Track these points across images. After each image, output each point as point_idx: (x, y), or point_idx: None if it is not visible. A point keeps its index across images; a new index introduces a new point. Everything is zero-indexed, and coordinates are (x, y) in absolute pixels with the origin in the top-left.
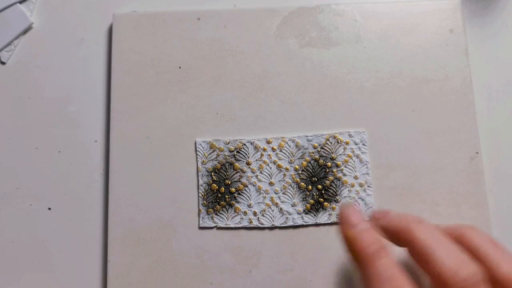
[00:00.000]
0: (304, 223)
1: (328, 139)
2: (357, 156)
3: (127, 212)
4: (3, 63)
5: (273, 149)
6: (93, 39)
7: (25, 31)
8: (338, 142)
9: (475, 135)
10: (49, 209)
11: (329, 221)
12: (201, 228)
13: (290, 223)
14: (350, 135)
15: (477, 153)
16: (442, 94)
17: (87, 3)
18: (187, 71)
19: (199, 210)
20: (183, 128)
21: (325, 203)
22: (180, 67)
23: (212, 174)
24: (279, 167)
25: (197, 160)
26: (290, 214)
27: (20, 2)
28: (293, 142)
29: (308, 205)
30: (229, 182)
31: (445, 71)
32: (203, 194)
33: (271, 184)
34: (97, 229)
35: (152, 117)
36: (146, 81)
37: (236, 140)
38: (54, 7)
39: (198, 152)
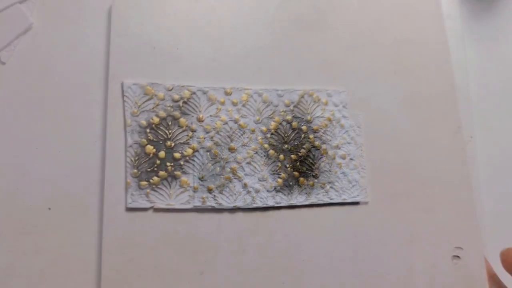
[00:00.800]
0: (276, 204)
1: (302, 96)
2: (338, 121)
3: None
4: (3, 63)
5: (233, 103)
6: (92, 39)
7: (25, 31)
8: (314, 101)
9: (456, 108)
10: (49, 209)
11: (306, 203)
12: (129, 209)
13: (257, 203)
14: (328, 94)
15: (458, 127)
16: (421, 58)
17: (85, 4)
18: None
19: (127, 183)
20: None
21: (301, 179)
22: None
23: (147, 131)
24: (241, 127)
25: (124, 110)
26: (257, 192)
27: (20, 2)
28: (259, 96)
29: (280, 180)
30: (172, 144)
31: (422, 34)
32: (133, 159)
33: (231, 149)
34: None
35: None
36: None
37: (183, 86)
38: (54, 7)
39: (126, 99)
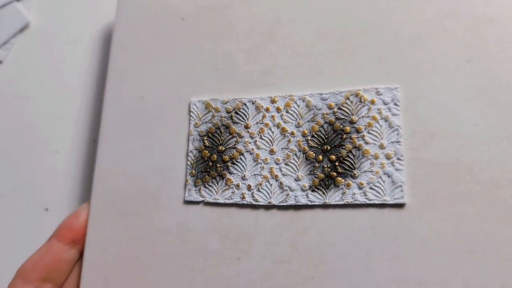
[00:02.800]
0: (309, 203)
1: (348, 98)
2: (385, 119)
3: (112, 181)
4: (0, 62)
5: (277, 110)
6: (90, 37)
7: (22, 30)
8: (361, 101)
9: None
10: (46, 209)
11: (341, 202)
12: (186, 202)
13: (291, 201)
14: (377, 93)
15: None
16: (511, 38)
17: (84, 2)
18: (190, 23)
19: (186, 181)
20: (179, 87)
21: (338, 178)
22: (183, 19)
23: (205, 138)
24: (283, 131)
25: (189, 123)
26: (292, 190)
27: (17, 0)
28: (303, 101)
29: (316, 180)
30: (223, 149)
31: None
32: (192, 162)
33: (271, 152)
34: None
35: (148, 74)
36: (147, 36)
37: (236, 99)
38: (51, 6)
39: (191, 113)
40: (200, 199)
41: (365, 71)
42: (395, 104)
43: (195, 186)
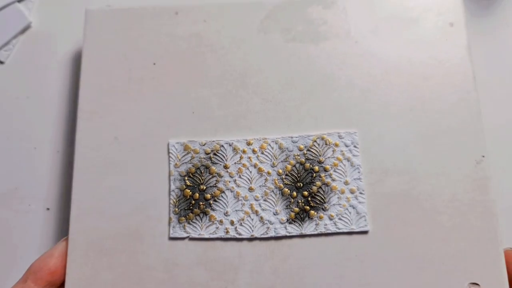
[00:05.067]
0: (288, 234)
1: (315, 141)
2: (348, 159)
3: (91, 220)
4: (2, 63)
5: (253, 151)
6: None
7: (23, 31)
8: (326, 144)
9: (481, 137)
10: (48, 209)
11: (315, 232)
12: (171, 238)
13: (271, 233)
14: (340, 136)
15: (483, 156)
16: (443, 91)
17: (85, 3)
18: (162, 68)
19: (170, 219)
20: (156, 128)
21: (312, 212)
22: (154, 63)
23: (186, 178)
24: (260, 171)
25: (169, 163)
26: (271, 224)
27: (18, 1)
28: (276, 143)
29: (293, 214)
30: (204, 188)
31: (445, 67)
32: (174, 200)
33: (250, 189)
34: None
35: (122, 116)
36: (118, 78)
37: (213, 141)
38: (52, 7)
39: (170, 155)
40: (185, 235)
41: (328, 117)
42: (355, 146)
43: (179, 223)
